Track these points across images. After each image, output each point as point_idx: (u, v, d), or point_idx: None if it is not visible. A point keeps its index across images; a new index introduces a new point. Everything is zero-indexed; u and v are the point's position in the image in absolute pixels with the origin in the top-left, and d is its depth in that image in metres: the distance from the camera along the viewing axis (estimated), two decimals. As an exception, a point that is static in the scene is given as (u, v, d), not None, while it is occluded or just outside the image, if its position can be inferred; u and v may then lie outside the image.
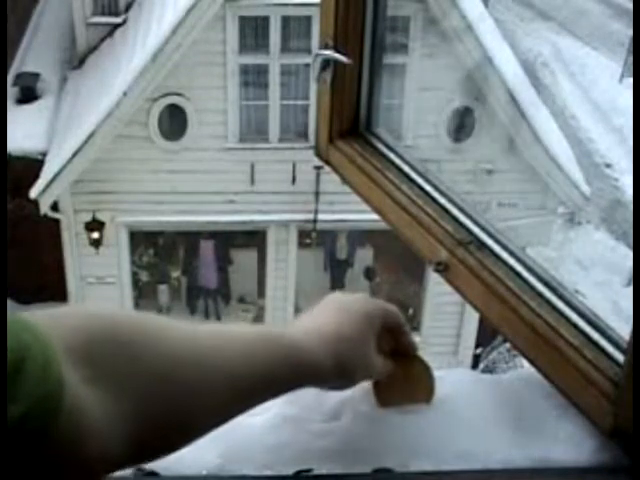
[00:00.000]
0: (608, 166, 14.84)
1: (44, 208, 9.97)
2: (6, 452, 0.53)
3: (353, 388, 0.95)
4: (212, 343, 0.74)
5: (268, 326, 0.88)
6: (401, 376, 0.97)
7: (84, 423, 0.59)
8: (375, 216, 1.35)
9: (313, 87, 1.50)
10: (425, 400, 1.00)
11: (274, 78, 10.03)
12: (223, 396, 0.74)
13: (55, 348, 0.58)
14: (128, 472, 1.12)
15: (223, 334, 0.77)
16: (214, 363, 0.73)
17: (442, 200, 1.26)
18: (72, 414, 0.57)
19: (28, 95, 11.01)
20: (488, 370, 11.00)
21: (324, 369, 0.83)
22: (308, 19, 9.52)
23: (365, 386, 0.98)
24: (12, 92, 11.04)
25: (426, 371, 1.00)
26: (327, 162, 1.43)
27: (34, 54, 11.87)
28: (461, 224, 1.22)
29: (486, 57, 9.38)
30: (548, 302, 1.09)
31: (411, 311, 11.45)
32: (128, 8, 10.85)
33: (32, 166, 9.97)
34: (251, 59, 9.96)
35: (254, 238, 11.21)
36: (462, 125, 10.03)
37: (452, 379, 1.09)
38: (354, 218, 9.30)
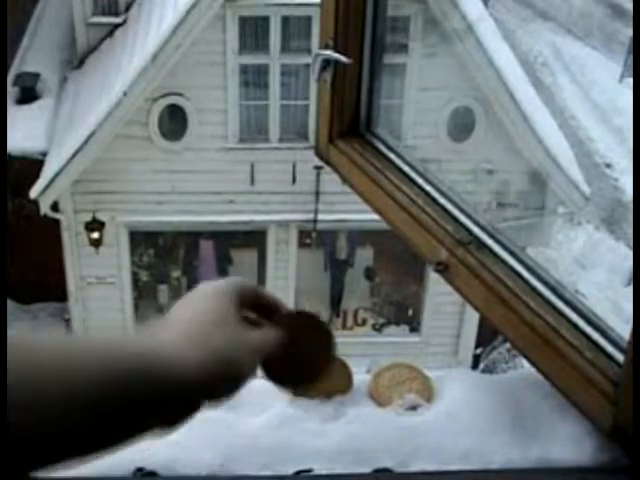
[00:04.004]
0: (608, 166, 14.85)
1: (44, 208, 9.96)
2: None
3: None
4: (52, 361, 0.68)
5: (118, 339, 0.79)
6: (287, 342, 0.87)
7: None
8: (375, 216, 1.35)
9: (313, 87, 1.50)
10: (321, 360, 0.89)
11: (274, 78, 10.03)
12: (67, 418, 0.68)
13: None
14: (128, 472, 1.12)
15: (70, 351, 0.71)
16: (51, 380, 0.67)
17: (442, 200, 1.26)
18: None
19: (28, 95, 10.99)
20: (488, 370, 10.99)
21: (190, 365, 0.75)
22: (308, 19, 9.51)
23: (363, 386, 0.98)
24: (12, 92, 11.03)
25: (309, 325, 0.90)
26: (327, 162, 1.43)
27: (34, 54, 11.86)
28: (461, 224, 1.22)
29: (486, 57, 9.38)
30: (548, 302, 1.09)
31: (411, 311, 11.44)
32: (128, 8, 10.84)
33: (32, 166, 9.96)
34: (251, 59, 9.96)
35: (254, 238, 11.19)
36: (462, 125, 10.03)
37: (452, 379, 1.09)
38: (354, 218, 9.30)
